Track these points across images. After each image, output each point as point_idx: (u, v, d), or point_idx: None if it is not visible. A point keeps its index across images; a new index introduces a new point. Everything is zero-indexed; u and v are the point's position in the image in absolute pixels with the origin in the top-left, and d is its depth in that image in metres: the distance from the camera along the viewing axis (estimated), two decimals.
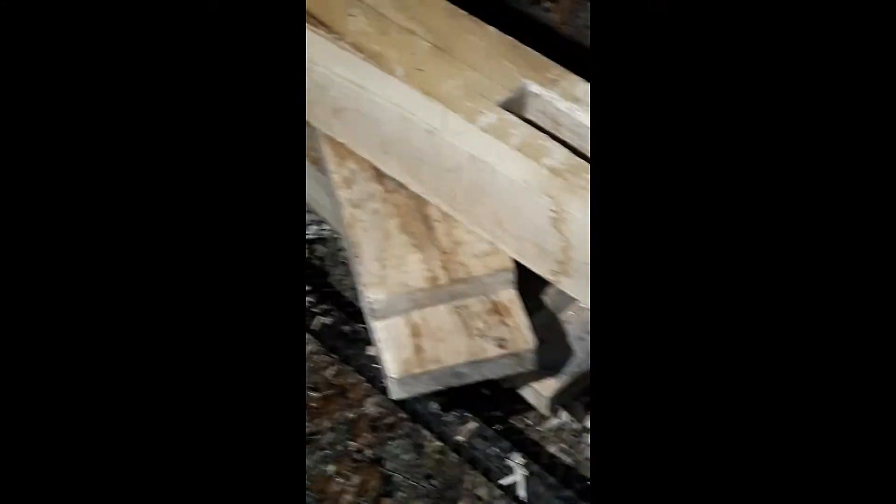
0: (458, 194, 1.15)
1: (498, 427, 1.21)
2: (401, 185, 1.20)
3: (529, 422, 1.23)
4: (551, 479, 1.15)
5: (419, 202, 1.19)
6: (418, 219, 1.19)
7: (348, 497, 1.19)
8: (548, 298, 1.20)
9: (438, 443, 1.22)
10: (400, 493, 1.19)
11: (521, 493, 1.14)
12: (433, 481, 1.19)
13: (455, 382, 1.11)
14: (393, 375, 1.09)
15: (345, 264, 1.36)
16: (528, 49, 1.17)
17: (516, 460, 1.16)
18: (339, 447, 1.22)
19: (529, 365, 1.12)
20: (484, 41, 1.17)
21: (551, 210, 1.06)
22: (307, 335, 1.27)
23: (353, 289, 1.30)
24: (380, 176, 1.21)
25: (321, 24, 1.18)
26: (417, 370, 1.09)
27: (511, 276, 1.14)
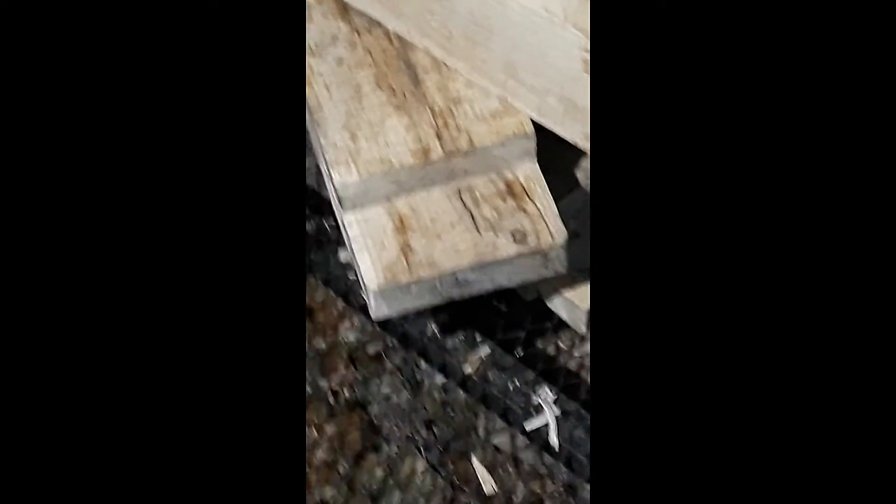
0: (454, 33, 1.10)
1: (519, 353, 1.15)
2: (375, 23, 1.16)
3: (562, 345, 1.18)
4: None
5: (401, 46, 1.14)
6: (400, 69, 1.12)
7: (321, 454, 1.13)
8: (581, 174, 1.15)
9: (440, 377, 1.17)
10: (390, 448, 1.15)
11: (553, 439, 1.08)
12: (435, 430, 1.16)
13: (459, 295, 1.05)
14: (373, 287, 1.03)
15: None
16: None
17: (545, 397, 1.09)
18: (308, 388, 1.19)
19: (559, 267, 1.06)
20: None
21: (583, 49, 0.99)
22: None
23: (316, 170, 1.26)
24: (345, 10, 1.17)
25: None
26: (405, 279, 1.03)
27: (530, 145, 1.08)
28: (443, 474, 1.13)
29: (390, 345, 1.19)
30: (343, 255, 1.16)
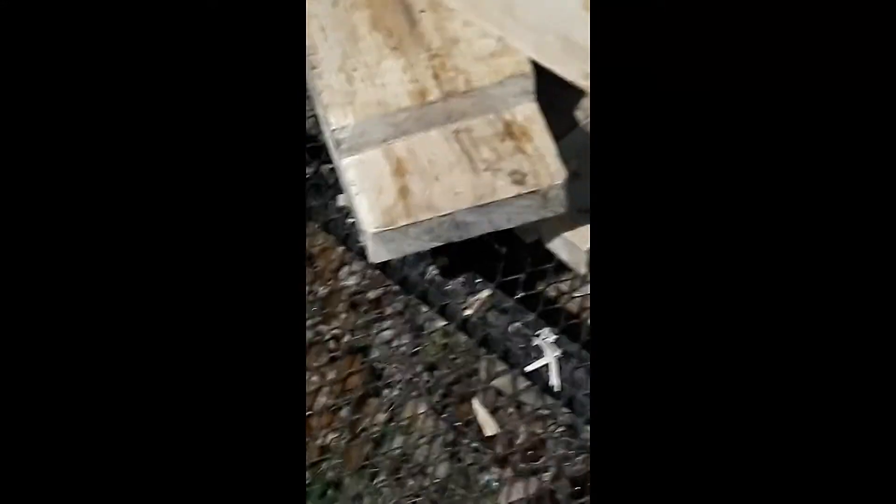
0: None
1: (520, 295, 1.15)
2: None
3: (563, 287, 1.19)
4: None
5: None
6: (396, 8, 1.12)
7: (323, 399, 1.14)
8: (581, 114, 1.15)
9: (441, 322, 1.18)
10: (392, 392, 1.16)
11: (554, 381, 1.08)
12: (436, 373, 1.18)
13: (458, 237, 1.05)
14: (371, 230, 1.03)
15: None
16: None
17: (546, 339, 1.10)
18: (309, 334, 1.19)
19: (558, 207, 1.06)
20: None
21: None
22: None
23: (312, 115, 1.22)
24: None
25: None
26: (404, 221, 1.03)
27: (529, 85, 1.07)
28: (444, 417, 1.14)
29: (390, 289, 1.18)
30: (341, 200, 1.16)
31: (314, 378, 1.16)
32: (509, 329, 1.11)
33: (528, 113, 1.06)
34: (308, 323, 1.18)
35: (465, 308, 1.11)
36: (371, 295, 1.20)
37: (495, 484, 1.11)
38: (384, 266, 1.13)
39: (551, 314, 1.14)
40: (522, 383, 1.12)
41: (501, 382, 1.13)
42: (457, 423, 1.12)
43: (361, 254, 1.14)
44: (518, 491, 1.11)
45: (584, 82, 1.04)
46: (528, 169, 1.02)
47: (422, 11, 1.09)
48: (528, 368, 1.09)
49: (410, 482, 1.12)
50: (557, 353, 1.08)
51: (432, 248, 1.05)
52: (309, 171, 1.23)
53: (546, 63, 1.05)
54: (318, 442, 1.12)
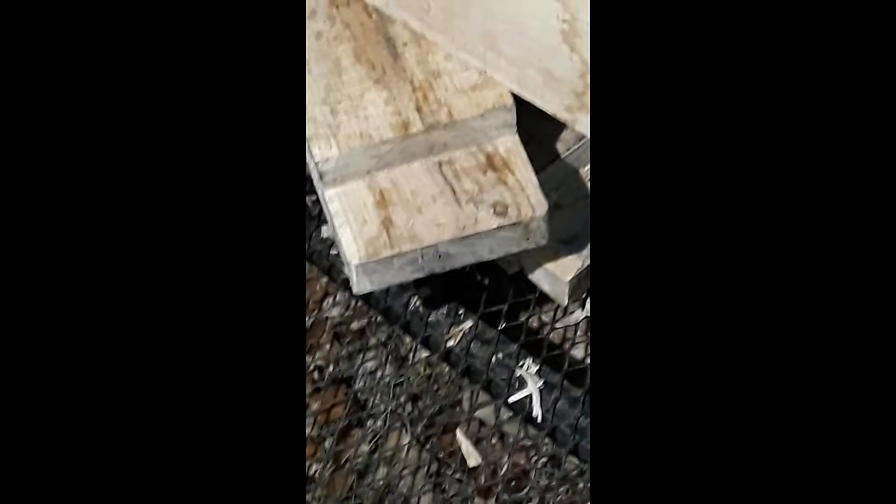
0: (431, 4, 1.09)
1: (503, 326, 1.15)
2: None
3: (544, 318, 1.18)
4: (576, 392, 1.11)
5: (379, 19, 1.14)
6: (379, 41, 1.12)
7: (307, 430, 1.13)
8: (562, 146, 1.16)
9: (424, 352, 1.17)
10: (375, 422, 1.16)
11: (537, 410, 1.08)
12: (420, 404, 1.17)
13: (440, 268, 1.05)
14: (354, 261, 1.02)
15: None
16: None
17: (528, 369, 1.10)
18: None
19: (540, 238, 1.06)
20: None
21: (562, 19, 0.99)
22: None
23: None
24: None
25: None
26: (387, 252, 1.03)
27: (510, 118, 1.08)
28: (428, 448, 1.13)
29: (374, 320, 1.18)
30: (325, 231, 1.15)
31: None
32: (492, 360, 1.10)
33: (509, 145, 1.07)
34: None
35: (449, 339, 1.11)
36: (355, 325, 1.19)
37: None
38: (368, 297, 1.12)
39: (534, 345, 1.13)
40: (505, 414, 1.11)
41: (484, 413, 1.12)
42: (440, 454, 1.12)
43: (345, 284, 1.13)
44: None
45: (564, 115, 1.05)
46: (510, 201, 1.02)
47: (404, 44, 1.10)
48: (511, 399, 1.09)
49: None
50: (539, 383, 1.08)
51: (415, 280, 1.05)
52: None
53: (527, 96, 1.06)
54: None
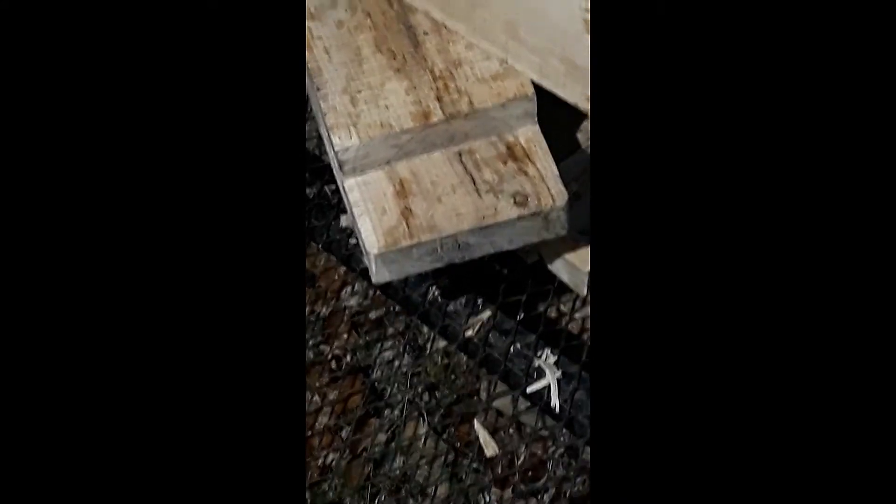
0: None
1: (521, 317, 1.14)
2: None
3: (563, 308, 1.18)
4: None
5: (400, 8, 1.13)
6: (400, 30, 1.11)
7: (324, 419, 1.13)
8: (582, 137, 1.15)
9: (442, 342, 1.17)
10: (392, 412, 1.16)
11: (555, 401, 1.07)
12: (437, 393, 1.16)
13: (459, 258, 1.04)
14: (373, 251, 1.01)
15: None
16: None
17: (547, 359, 1.09)
18: (310, 354, 1.19)
19: (560, 229, 1.05)
20: None
21: (584, 8, 0.98)
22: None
23: (317, 136, 1.24)
24: None
25: None
26: (406, 242, 1.02)
27: (531, 108, 1.07)
28: (445, 438, 1.14)
29: (392, 310, 1.18)
30: (344, 220, 1.15)
31: (315, 398, 1.15)
32: (510, 350, 1.10)
33: (530, 135, 1.05)
34: (310, 343, 1.18)
35: (467, 329, 1.11)
36: (373, 315, 1.20)
37: None
38: (386, 287, 1.11)
39: (552, 335, 1.13)
40: (523, 404, 1.11)
41: (502, 403, 1.12)
42: (457, 444, 1.12)
43: (363, 274, 1.13)
44: None
45: (585, 104, 1.04)
46: (529, 191, 1.02)
47: (425, 34, 1.09)
48: (529, 389, 1.08)
49: (411, 502, 1.11)
50: (558, 374, 1.07)
51: (434, 269, 1.05)
52: (312, 191, 1.22)
53: (548, 86, 1.05)
54: (319, 462, 1.12)
